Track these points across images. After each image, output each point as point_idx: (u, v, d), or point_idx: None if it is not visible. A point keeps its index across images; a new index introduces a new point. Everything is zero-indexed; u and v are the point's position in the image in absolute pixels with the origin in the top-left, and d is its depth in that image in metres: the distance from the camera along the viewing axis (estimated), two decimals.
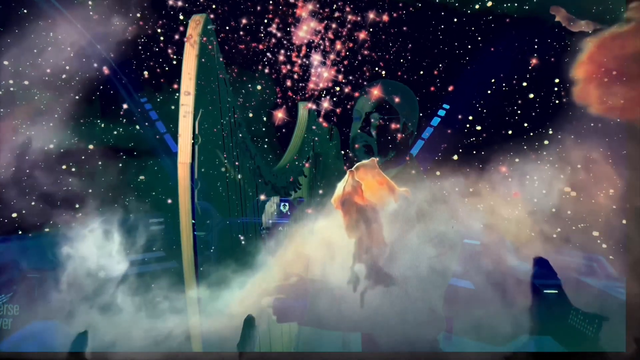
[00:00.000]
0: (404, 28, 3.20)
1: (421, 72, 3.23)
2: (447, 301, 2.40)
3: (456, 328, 2.64)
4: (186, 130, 2.07)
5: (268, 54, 3.02)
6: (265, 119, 2.93)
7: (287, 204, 2.53)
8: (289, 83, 2.92)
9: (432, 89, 3.16)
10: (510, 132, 3.16)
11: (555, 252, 2.72)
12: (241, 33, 3.06)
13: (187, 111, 2.06)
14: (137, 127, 3.09)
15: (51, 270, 2.55)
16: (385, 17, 3.09)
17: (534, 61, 3.10)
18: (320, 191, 2.49)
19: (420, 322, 2.21)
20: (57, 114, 2.91)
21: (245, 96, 3.03)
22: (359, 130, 2.38)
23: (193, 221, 2.12)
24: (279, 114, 2.62)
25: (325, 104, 2.63)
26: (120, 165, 2.99)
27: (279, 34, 3.00)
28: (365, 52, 3.07)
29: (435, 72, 3.22)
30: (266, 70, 3.03)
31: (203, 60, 2.06)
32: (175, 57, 2.97)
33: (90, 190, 2.94)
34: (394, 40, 3.19)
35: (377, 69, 3.12)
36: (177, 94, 2.10)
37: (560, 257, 2.75)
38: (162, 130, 2.99)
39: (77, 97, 2.95)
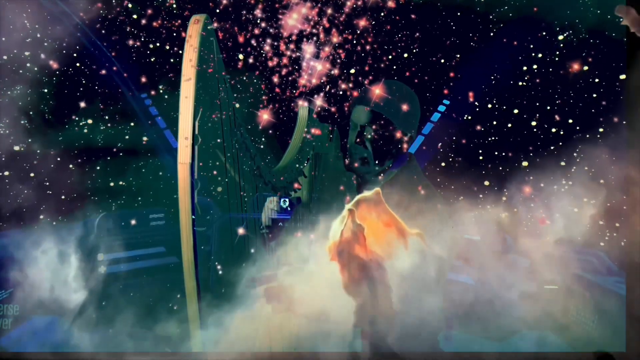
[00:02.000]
0: (412, 16, 3.04)
1: (428, 69, 3.03)
2: (447, 298, 2.40)
3: (456, 324, 2.65)
4: (186, 130, 2.05)
5: (254, 42, 2.88)
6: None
7: (287, 200, 2.51)
8: (280, 80, 2.83)
9: (445, 92, 2.96)
10: (528, 131, 2.90)
11: (555, 248, 2.72)
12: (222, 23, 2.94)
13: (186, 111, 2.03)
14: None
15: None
16: (390, 3, 2.96)
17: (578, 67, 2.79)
18: (312, 236, 2.35)
19: (420, 322, 2.18)
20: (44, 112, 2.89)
21: (245, 95, 2.99)
22: (355, 142, 2.37)
23: (193, 217, 2.11)
24: (264, 115, 2.57)
25: (319, 102, 2.58)
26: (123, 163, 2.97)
27: (264, 23, 2.87)
28: (367, 47, 2.95)
29: (452, 75, 2.99)
30: (259, 66, 2.92)
31: (203, 66, 2.04)
32: (173, 51, 2.92)
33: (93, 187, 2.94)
34: (399, 30, 3.05)
35: (381, 64, 2.99)
36: (178, 92, 2.08)
37: (560, 252, 2.74)
38: (162, 126, 2.97)
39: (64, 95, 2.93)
